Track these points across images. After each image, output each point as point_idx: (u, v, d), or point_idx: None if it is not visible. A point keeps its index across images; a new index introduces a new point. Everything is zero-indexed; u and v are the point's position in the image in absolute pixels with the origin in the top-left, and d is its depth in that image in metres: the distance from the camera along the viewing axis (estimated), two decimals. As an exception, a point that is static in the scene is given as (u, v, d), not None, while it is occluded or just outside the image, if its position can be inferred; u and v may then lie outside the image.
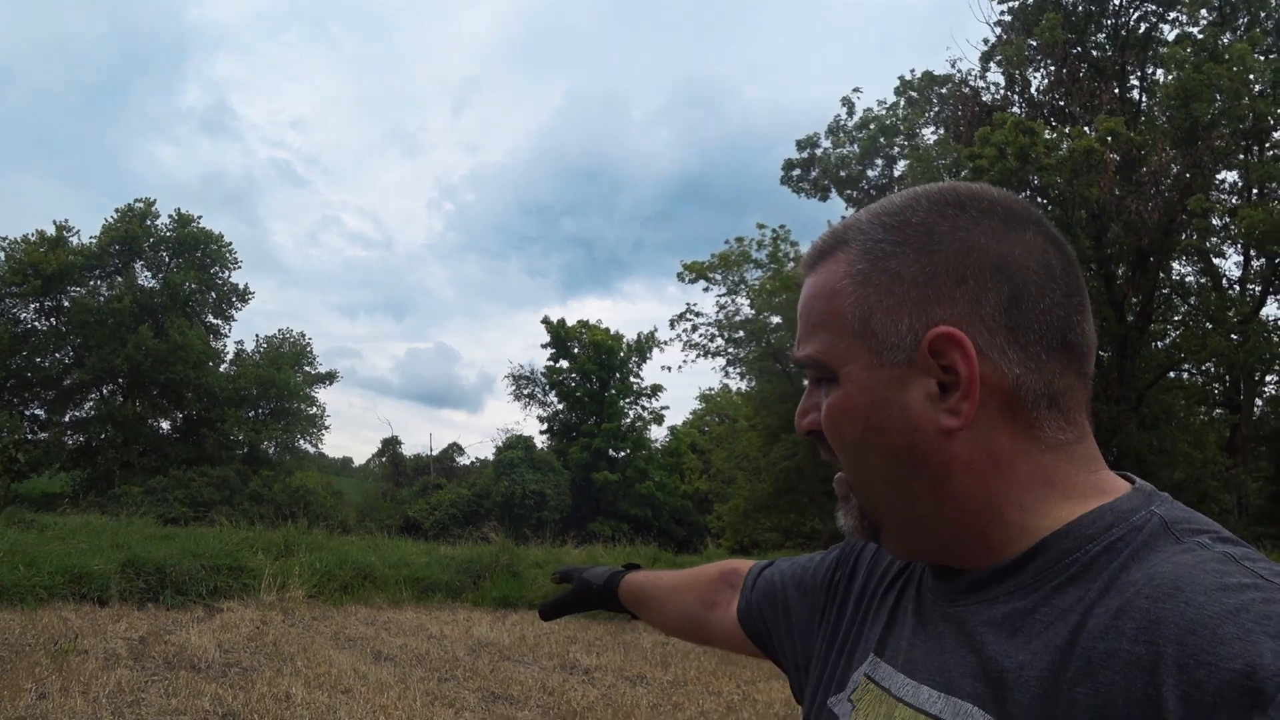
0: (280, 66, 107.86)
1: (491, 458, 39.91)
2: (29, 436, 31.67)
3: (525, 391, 42.91)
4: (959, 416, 0.76)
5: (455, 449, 43.94)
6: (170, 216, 34.94)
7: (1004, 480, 0.78)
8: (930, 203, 0.81)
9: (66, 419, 32.89)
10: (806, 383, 0.89)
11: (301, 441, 37.16)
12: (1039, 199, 17.03)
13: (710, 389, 42.61)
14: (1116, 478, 0.81)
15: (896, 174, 20.19)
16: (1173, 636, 0.61)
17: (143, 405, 32.78)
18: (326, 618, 11.63)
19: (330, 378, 37.97)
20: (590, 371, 40.72)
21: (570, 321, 41.80)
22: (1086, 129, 17.10)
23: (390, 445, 44.78)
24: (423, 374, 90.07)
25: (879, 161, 20.47)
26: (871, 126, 20.64)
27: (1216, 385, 21.12)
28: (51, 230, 32.68)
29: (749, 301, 24.18)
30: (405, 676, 7.88)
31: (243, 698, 6.59)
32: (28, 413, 32.71)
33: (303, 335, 39.53)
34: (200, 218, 35.30)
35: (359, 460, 62.18)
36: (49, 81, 76.65)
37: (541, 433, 42.08)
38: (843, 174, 20.73)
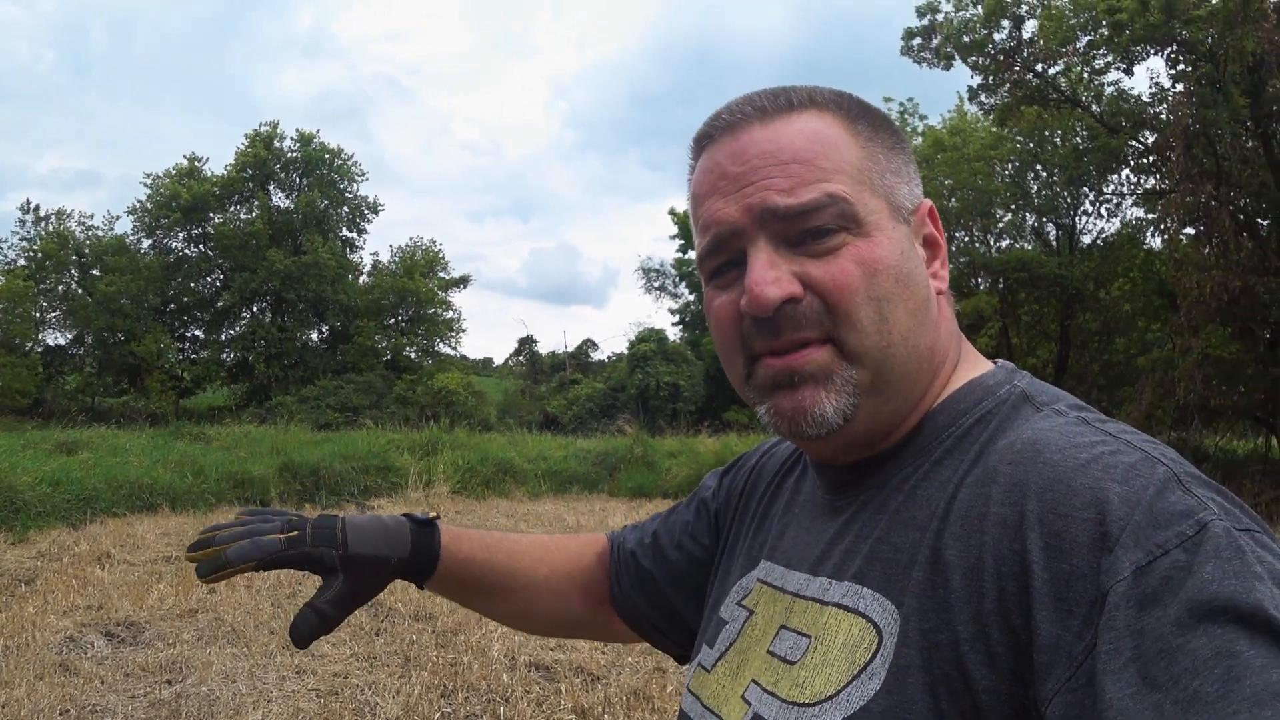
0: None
1: (625, 351, 40.41)
2: (191, 356, 34.18)
3: (655, 284, 43.04)
4: (941, 281, 0.84)
5: (589, 344, 44.47)
6: (292, 137, 35.61)
7: (955, 348, 0.85)
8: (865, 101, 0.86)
9: (223, 337, 34.71)
10: (757, 247, 0.77)
11: (441, 345, 38.16)
12: (1186, 54, 15.72)
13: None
14: (979, 354, 0.87)
15: (1026, 35, 18.92)
16: (1034, 494, 0.65)
17: (289, 321, 34.24)
18: (469, 512, 12.21)
19: (463, 282, 38.56)
20: (721, 262, 40.26)
21: (697, 213, 41.23)
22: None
23: (526, 344, 45.67)
24: (547, 272, 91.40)
25: (1005, 23, 19.16)
26: (998, -16, 19.41)
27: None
28: (185, 163, 33.98)
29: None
30: (541, 565, 8.24)
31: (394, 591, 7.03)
32: (188, 334, 34.96)
33: (434, 242, 40.42)
34: (319, 131, 36.11)
35: (499, 360, 63.91)
36: (170, 19, 79.00)
37: (674, 325, 42.06)
38: (966, 39, 19.46)
